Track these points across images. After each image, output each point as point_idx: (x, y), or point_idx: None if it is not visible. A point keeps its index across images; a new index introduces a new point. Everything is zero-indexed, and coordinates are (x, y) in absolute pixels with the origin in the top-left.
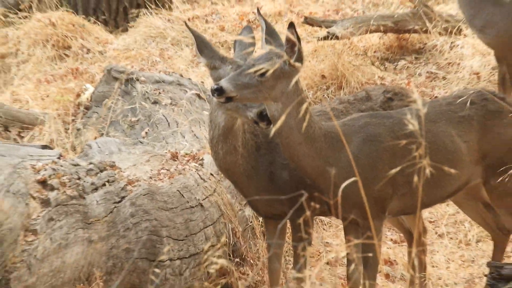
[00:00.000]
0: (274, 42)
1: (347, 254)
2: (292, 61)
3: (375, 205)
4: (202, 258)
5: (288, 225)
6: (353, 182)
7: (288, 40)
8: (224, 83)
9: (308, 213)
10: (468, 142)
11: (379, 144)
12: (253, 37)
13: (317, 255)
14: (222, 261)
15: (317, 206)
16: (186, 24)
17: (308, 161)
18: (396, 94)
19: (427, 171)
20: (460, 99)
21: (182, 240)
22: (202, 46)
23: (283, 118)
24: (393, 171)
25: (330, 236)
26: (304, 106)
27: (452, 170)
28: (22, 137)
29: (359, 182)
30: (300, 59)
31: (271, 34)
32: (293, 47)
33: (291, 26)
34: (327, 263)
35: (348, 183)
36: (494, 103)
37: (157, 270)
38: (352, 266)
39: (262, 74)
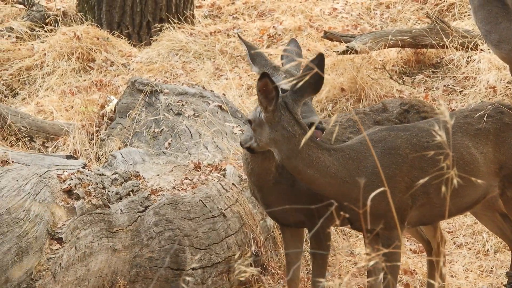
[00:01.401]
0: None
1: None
2: (270, 108)
3: (394, 216)
4: (232, 266)
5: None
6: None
7: (260, 90)
8: (241, 136)
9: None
10: (485, 154)
11: (398, 157)
12: (300, 49)
13: (339, 264)
14: (252, 270)
15: (337, 221)
16: (238, 35)
17: (327, 188)
18: (413, 106)
19: (455, 181)
20: (477, 112)
21: (204, 249)
22: (254, 55)
23: (286, 162)
24: (421, 181)
25: (350, 246)
26: (302, 143)
27: (475, 179)
28: (46, 148)
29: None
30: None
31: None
32: (267, 96)
33: (264, 76)
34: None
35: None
36: (510, 116)
37: (188, 279)
38: (380, 276)
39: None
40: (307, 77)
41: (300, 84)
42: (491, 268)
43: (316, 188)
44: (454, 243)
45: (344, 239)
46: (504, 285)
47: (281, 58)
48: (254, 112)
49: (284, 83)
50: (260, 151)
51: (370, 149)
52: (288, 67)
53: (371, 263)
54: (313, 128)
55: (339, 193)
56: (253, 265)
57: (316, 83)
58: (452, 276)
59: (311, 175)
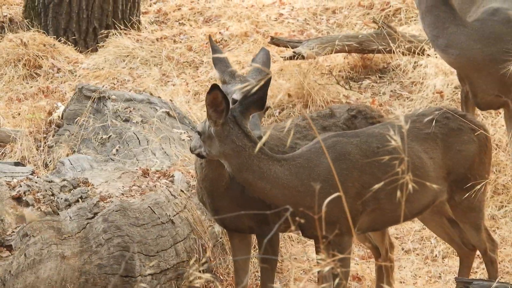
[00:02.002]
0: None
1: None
2: (219, 122)
3: (346, 222)
4: (181, 273)
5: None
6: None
7: (209, 104)
8: (190, 142)
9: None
10: (434, 159)
11: (348, 162)
12: (269, 59)
13: (286, 271)
14: (207, 276)
15: (292, 227)
16: (210, 38)
17: (279, 198)
18: (360, 111)
19: (410, 186)
20: (424, 117)
21: (153, 255)
22: (217, 60)
23: (237, 174)
24: (376, 186)
25: (298, 252)
26: (253, 155)
27: (429, 184)
28: None
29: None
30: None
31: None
32: (217, 109)
33: (214, 87)
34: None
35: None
36: (455, 121)
37: (143, 285)
38: (336, 281)
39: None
40: (256, 87)
41: (246, 99)
42: (440, 274)
43: (268, 199)
44: (402, 249)
45: (292, 245)
46: None
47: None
48: (203, 125)
49: (238, 89)
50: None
51: (320, 157)
52: (247, 74)
53: (326, 268)
54: (263, 140)
55: (292, 202)
56: (201, 271)
57: (260, 100)
58: (400, 282)
59: (263, 186)
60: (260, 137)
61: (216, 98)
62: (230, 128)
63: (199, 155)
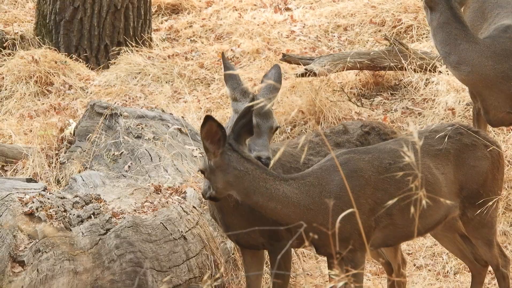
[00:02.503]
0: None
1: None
2: (218, 152)
3: (360, 238)
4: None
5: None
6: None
7: (205, 136)
8: (202, 188)
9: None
10: (446, 174)
11: (361, 179)
12: (280, 75)
13: (299, 287)
14: None
15: (307, 243)
16: (222, 55)
17: (292, 218)
18: (374, 128)
19: (424, 202)
20: (436, 133)
21: (165, 271)
22: (228, 77)
23: (247, 199)
24: (390, 202)
25: (311, 268)
26: (257, 177)
27: (443, 200)
28: (5, 171)
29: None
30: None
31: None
32: (213, 139)
33: (208, 119)
34: None
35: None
36: (469, 137)
37: None
38: None
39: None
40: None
41: (236, 125)
42: None
43: (282, 219)
44: (414, 265)
45: (304, 260)
46: None
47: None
48: (203, 161)
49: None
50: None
51: (332, 174)
52: (259, 91)
53: (339, 284)
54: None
55: (305, 221)
56: (213, 287)
57: (248, 125)
58: None
59: (274, 207)
60: (267, 158)
61: (211, 128)
62: (229, 156)
63: (211, 199)
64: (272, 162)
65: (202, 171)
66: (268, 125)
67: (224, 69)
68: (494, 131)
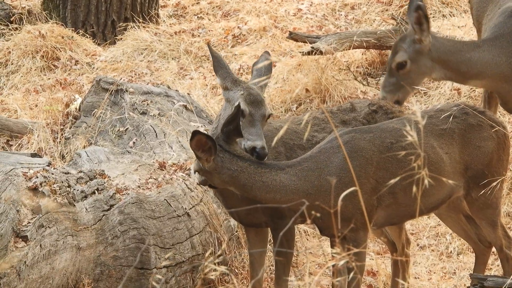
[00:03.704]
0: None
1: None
2: (210, 159)
3: (362, 217)
4: (197, 265)
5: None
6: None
7: (195, 148)
8: (199, 179)
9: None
10: (450, 154)
11: (362, 159)
12: (270, 63)
13: (301, 265)
14: (222, 268)
15: (308, 220)
16: (208, 45)
17: (292, 202)
18: (381, 107)
19: (426, 181)
20: (442, 113)
21: (168, 248)
22: (218, 67)
23: (246, 194)
24: (392, 181)
25: (314, 246)
26: (252, 173)
27: (445, 179)
28: (10, 146)
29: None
30: None
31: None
32: (204, 149)
33: (196, 134)
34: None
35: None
36: (475, 117)
37: (159, 276)
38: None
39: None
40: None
41: (225, 127)
42: (454, 270)
43: (284, 205)
44: (418, 245)
45: (307, 239)
46: (468, 287)
47: (251, 72)
48: (197, 163)
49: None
50: None
51: (331, 156)
52: (252, 82)
53: (341, 262)
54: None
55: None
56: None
57: (236, 128)
58: (415, 278)
59: (273, 197)
60: (262, 147)
61: (200, 140)
62: (221, 158)
63: (210, 186)
64: (275, 140)
65: (197, 172)
66: (260, 113)
67: (213, 59)
68: (500, 112)
